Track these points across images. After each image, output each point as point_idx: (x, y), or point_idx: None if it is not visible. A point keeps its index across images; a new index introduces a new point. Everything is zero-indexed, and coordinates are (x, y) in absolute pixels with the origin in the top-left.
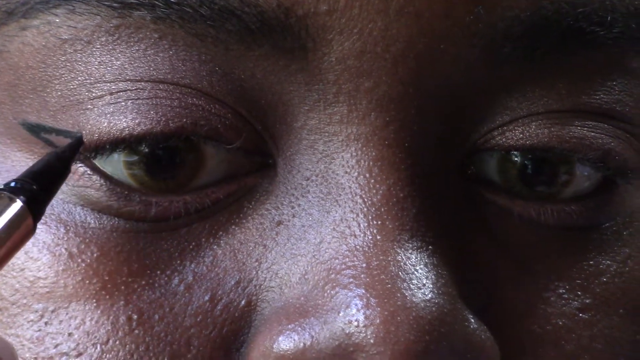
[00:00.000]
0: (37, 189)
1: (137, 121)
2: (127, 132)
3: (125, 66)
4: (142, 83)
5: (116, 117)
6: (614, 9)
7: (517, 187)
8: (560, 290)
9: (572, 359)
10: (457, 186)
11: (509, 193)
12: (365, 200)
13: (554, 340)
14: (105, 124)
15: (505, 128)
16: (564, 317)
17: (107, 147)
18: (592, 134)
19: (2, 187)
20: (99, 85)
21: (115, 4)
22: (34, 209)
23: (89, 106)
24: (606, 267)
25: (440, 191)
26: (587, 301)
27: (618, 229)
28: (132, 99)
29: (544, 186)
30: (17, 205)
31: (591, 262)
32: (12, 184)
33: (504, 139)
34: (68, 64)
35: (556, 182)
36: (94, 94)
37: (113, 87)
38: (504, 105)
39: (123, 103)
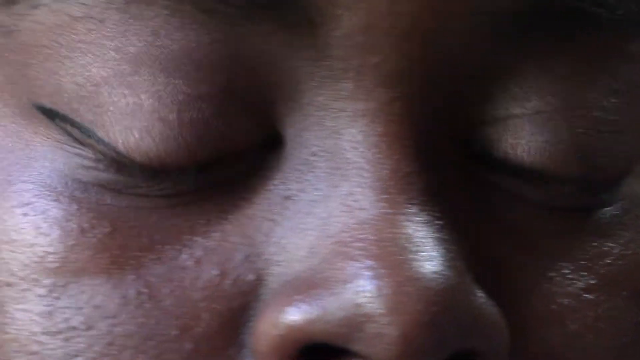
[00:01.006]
0: None
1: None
2: (153, 153)
3: (141, 51)
4: (157, 71)
5: (144, 133)
6: None
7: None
8: (565, 271)
9: (577, 339)
10: (463, 164)
11: (514, 173)
12: (373, 174)
13: (559, 319)
14: (132, 140)
15: (509, 105)
16: (568, 297)
17: (134, 162)
18: None
19: None
20: (116, 79)
21: None
22: None
23: (111, 108)
24: (609, 250)
25: (446, 168)
26: (592, 282)
27: (619, 213)
28: (151, 91)
29: None
30: None
31: (594, 244)
32: None
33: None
34: (82, 45)
35: None
36: (113, 91)
37: (130, 79)
38: (507, 83)
39: (144, 104)
